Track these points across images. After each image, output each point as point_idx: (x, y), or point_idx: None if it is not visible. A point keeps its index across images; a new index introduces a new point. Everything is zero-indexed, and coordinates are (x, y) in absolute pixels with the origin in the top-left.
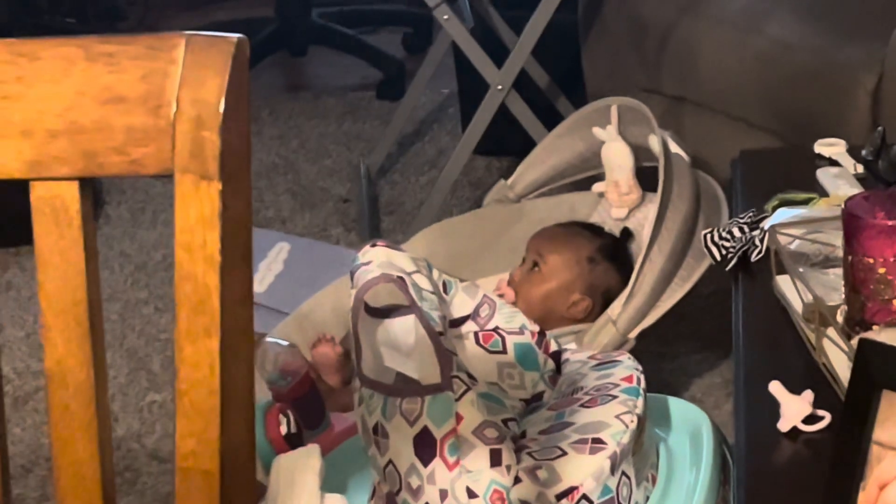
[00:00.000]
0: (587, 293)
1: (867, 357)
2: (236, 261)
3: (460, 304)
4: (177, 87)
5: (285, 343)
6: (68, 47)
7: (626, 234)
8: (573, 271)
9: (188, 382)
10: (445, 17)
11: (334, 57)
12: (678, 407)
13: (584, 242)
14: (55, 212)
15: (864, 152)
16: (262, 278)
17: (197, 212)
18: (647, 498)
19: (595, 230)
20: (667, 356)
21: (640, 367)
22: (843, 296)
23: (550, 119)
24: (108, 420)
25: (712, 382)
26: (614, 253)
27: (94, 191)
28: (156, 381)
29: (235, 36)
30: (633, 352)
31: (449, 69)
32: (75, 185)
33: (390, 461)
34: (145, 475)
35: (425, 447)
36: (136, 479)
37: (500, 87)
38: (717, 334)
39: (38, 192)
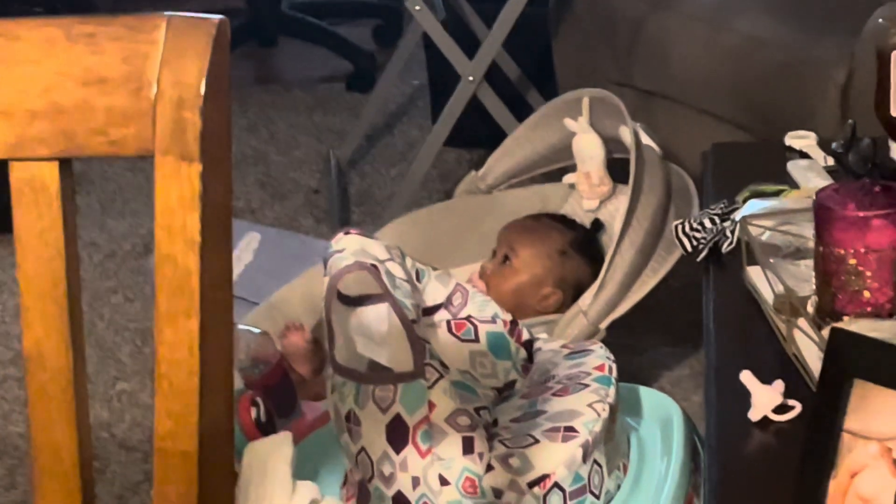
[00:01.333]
0: (558, 286)
1: (839, 346)
2: (216, 243)
3: (433, 292)
4: (157, 68)
5: (257, 331)
6: (49, 28)
7: (597, 225)
8: (544, 265)
9: (167, 364)
10: (417, 7)
11: (304, 48)
12: (649, 396)
13: (555, 235)
14: (35, 192)
15: (834, 145)
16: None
17: (177, 193)
18: (619, 486)
19: (566, 222)
20: (636, 348)
21: (612, 357)
22: (814, 287)
23: (521, 111)
24: (87, 403)
25: (681, 374)
26: (585, 245)
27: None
28: (125, 371)
29: (216, 17)
30: (602, 342)
31: (419, 61)
32: (55, 166)
33: (363, 448)
34: (114, 464)
35: (398, 435)
36: (105, 468)
37: (471, 78)
38: (687, 327)
39: (17, 173)
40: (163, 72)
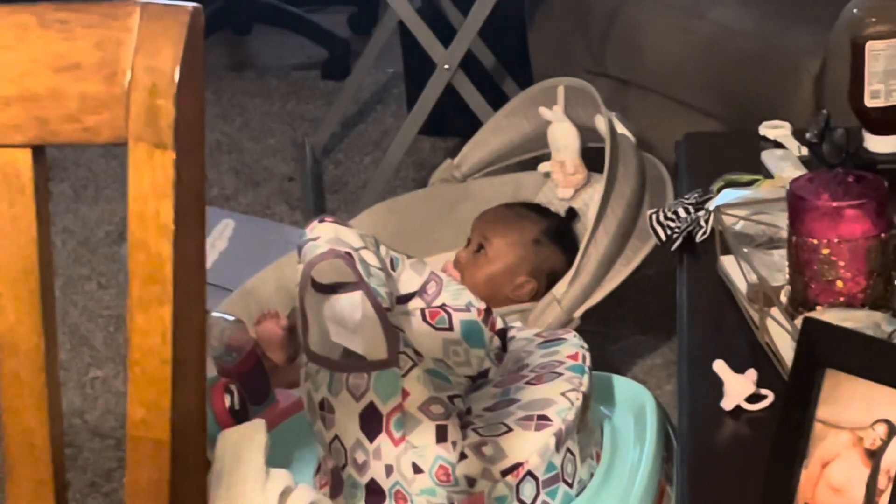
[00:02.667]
0: (532, 275)
1: (811, 336)
2: (189, 230)
3: (407, 280)
4: (131, 54)
5: (231, 318)
6: (22, 14)
7: (572, 214)
8: (518, 254)
9: (140, 351)
10: None
11: (279, 36)
12: (622, 385)
13: (529, 224)
14: (7, 179)
15: (808, 135)
16: (207, 255)
17: (150, 180)
18: (592, 475)
19: (540, 211)
20: (609, 337)
21: (585, 345)
22: (787, 276)
23: (496, 100)
24: (59, 389)
25: (654, 363)
26: (559, 234)
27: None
28: (98, 357)
29: (190, 4)
30: (576, 332)
31: (394, 49)
32: (28, 153)
33: (336, 436)
34: (87, 451)
35: (371, 423)
36: (77, 454)
37: (446, 66)
38: (659, 316)
39: None
40: (136, 59)
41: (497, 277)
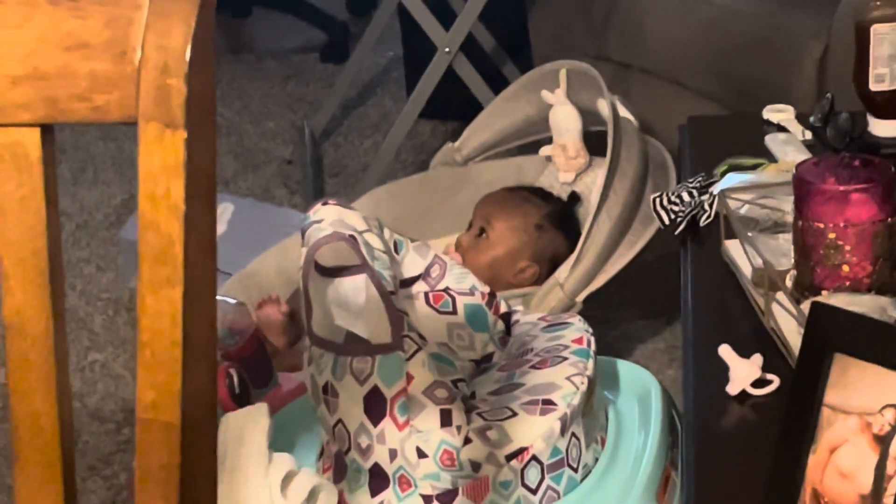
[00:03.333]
0: (534, 260)
1: (820, 321)
2: (200, 211)
3: (411, 264)
4: (142, 33)
5: (233, 301)
6: None
7: (574, 198)
8: (520, 238)
9: (150, 333)
10: None
11: (278, 18)
12: (627, 370)
13: (532, 209)
14: (16, 158)
15: (812, 119)
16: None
17: (161, 160)
18: (596, 459)
19: (543, 195)
20: (611, 321)
21: (590, 329)
22: (793, 261)
23: (497, 83)
24: (67, 371)
25: (655, 348)
26: (561, 219)
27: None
28: (97, 341)
29: None
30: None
31: (394, 32)
32: (37, 132)
33: (340, 420)
34: (87, 434)
35: (375, 407)
36: (77, 438)
37: (447, 50)
38: (661, 300)
39: None
40: (147, 37)
41: (499, 262)
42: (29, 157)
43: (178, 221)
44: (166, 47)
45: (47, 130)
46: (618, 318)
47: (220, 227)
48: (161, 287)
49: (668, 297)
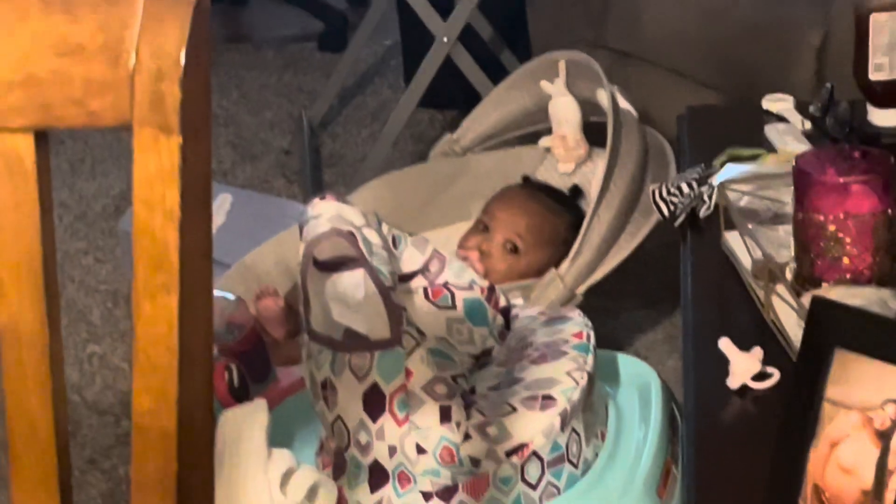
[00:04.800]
0: (554, 266)
1: (821, 315)
2: (195, 216)
3: (410, 259)
4: (136, 37)
5: (232, 297)
6: None
7: (576, 192)
8: (550, 254)
9: (146, 339)
10: None
11: (275, 7)
12: (627, 364)
13: (557, 221)
14: (9, 164)
15: (811, 108)
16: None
17: (156, 165)
18: (597, 454)
19: (565, 203)
20: (611, 312)
21: (590, 324)
22: (793, 253)
23: (494, 73)
24: (62, 374)
25: (656, 338)
26: (579, 225)
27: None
28: (96, 333)
29: None
30: (577, 307)
31: (392, 21)
32: (31, 138)
33: (339, 417)
34: (85, 427)
35: (374, 403)
36: (76, 431)
37: (445, 39)
38: (662, 290)
39: None
40: (141, 41)
41: (528, 274)
42: (23, 163)
43: (174, 227)
44: (160, 52)
45: (41, 136)
46: (618, 308)
47: (219, 218)
48: (157, 293)
49: (669, 287)
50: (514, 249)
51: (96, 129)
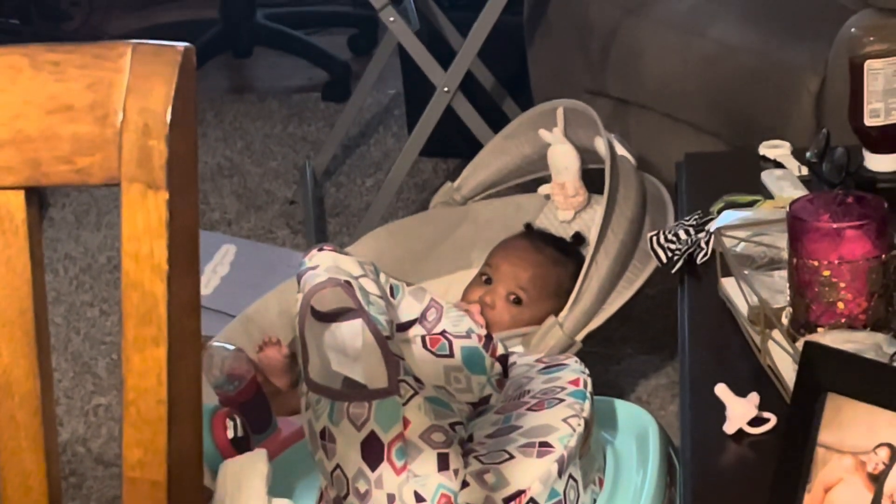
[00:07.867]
0: (555, 314)
1: (812, 360)
2: (183, 270)
3: (407, 307)
4: (123, 96)
5: (231, 347)
6: (13, 56)
7: (579, 239)
8: (553, 305)
9: (135, 392)
10: (391, 19)
11: (279, 58)
12: (624, 409)
13: (562, 272)
14: (1, 221)
15: (808, 154)
16: (208, 281)
17: (144, 221)
18: (595, 501)
19: (568, 251)
20: (612, 358)
21: (586, 371)
22: (788, 298)
23: (496, 121)
24: (55, 430)
25: (658, 384)
26: (579, 273)
27: (39, 197)
28: (101, 385)
29: (182, 45)
30: (578, 353)
31: (395, 70)
32: (21, 195)
33: (337, 466)
34: (91, 479)
35: (372, 452)
36: (81, 483)
37: (446, 88)
38: (662, 336)
39: None
40: (128, 99)
41: (528, 323)
42: (14, 219)
43: (162, 281)
44: (147, 109)
45: (31, 193)
46: (619, 354)
47: (223, 269)
48: (146, 346)
49: (670, 332)
50: (518, 301)
51: (85, 186)
